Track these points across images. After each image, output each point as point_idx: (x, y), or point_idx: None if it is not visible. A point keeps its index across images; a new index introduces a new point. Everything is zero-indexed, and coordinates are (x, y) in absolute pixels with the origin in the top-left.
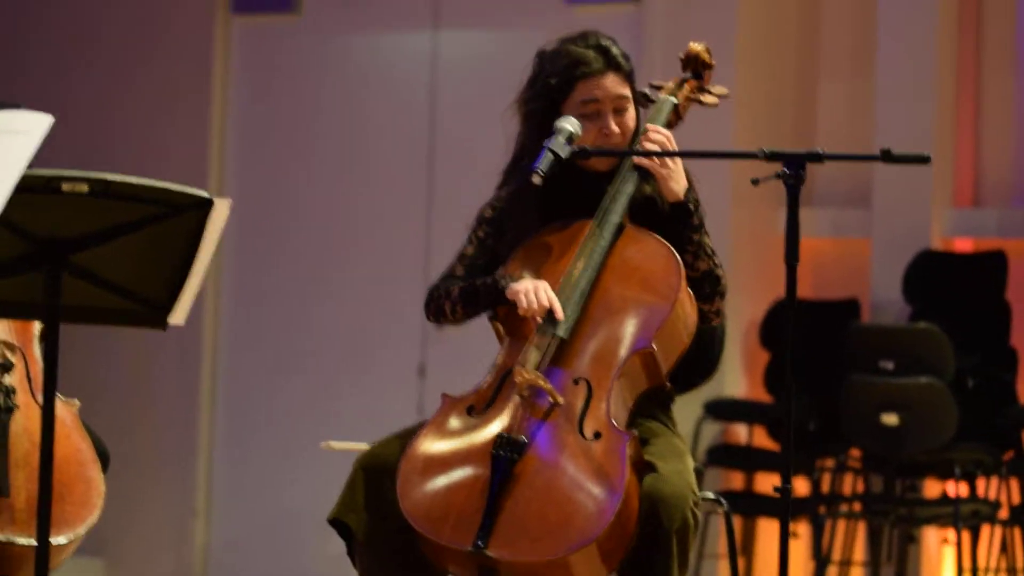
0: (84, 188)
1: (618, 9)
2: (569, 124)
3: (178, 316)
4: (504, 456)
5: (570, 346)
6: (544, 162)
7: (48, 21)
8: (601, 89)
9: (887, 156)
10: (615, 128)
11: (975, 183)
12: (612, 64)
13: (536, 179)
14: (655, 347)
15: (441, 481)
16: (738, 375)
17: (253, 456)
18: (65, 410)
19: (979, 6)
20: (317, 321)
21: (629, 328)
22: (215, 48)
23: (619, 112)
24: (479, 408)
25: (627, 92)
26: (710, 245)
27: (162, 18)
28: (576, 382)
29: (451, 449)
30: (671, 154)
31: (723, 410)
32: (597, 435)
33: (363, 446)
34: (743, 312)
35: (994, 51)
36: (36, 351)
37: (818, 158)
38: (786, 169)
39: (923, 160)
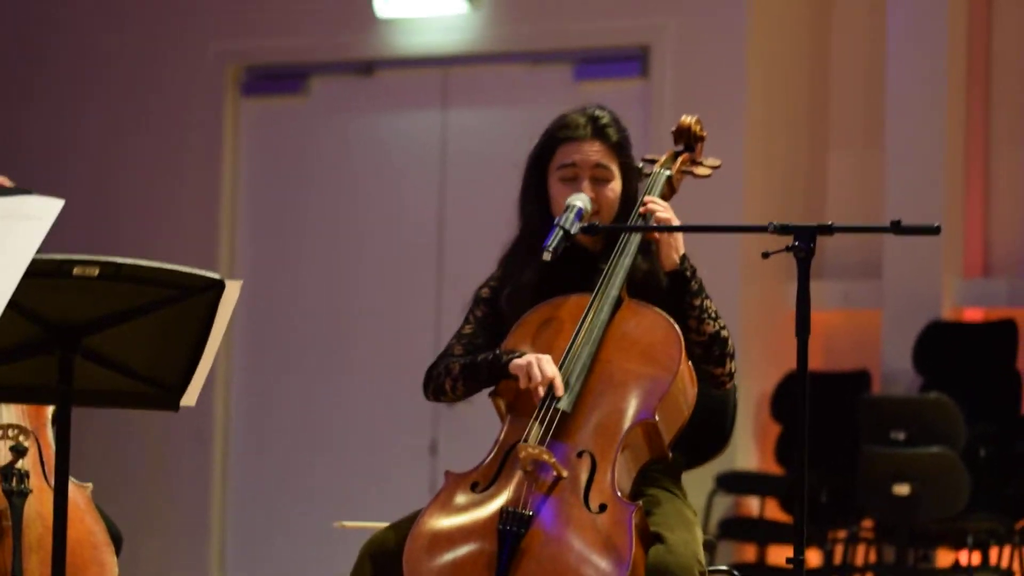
0: (95, 272)
1: (626, 84)
2: (579, 200)
3: (190, 397)
4: (510, 530)
5: (573, 419)
6: (554, 239)
7: (59, 100)
8: (580, 154)
9: (897, 227)
10: (590, 195)
11: (985, 253)
12: (598, 133)
13: (547, 256)
14: (658, 418)
15: (447, 557)
16: (749, 448)
17: (266, 536)
18: (78, 493)
19: (988, 78)
20: (328, 401)
21: (631, 400)
22: (225, 130)
23: (598, 181)
24: (483, 484)
25: (610, 164)
26: (714, 308)
27: (173, 100)
28: (580, 455)
29: (456, 525)
30: (679, 229)
31: (735, 483)
32: (603, 507)
33: (376, 525)
34: (754, 385)
35: (1003, 122)
36: (49, 435)
37: (829, 230)
38: (797, 242)
39: (933, 231)
